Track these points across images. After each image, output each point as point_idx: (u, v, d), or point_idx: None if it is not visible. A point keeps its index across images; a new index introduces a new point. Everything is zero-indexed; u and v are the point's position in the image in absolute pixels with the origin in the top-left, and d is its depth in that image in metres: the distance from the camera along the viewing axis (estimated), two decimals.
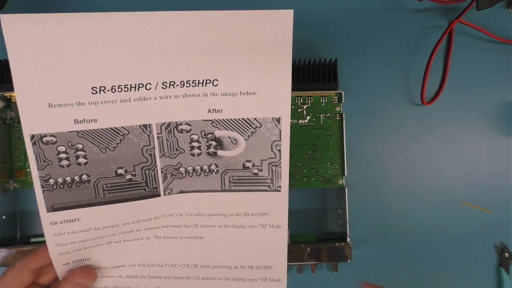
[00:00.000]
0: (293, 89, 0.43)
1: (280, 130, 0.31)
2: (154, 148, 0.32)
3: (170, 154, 0.32)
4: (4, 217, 0.42)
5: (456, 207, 0.47)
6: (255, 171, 0.32)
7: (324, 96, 0.45)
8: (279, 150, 0.32)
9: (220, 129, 0.31)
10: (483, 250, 0.47)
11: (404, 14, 0.48)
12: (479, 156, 0.48)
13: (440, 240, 0.47)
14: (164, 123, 0.31)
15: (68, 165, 0.31)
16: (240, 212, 0.33)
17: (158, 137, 0.31)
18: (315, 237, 0.45)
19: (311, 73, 0.44)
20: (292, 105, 0.45)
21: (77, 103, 0.29)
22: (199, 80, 0.30)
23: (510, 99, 0.48)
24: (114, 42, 0.28)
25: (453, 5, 0.47)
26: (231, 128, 0.31)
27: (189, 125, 0.31)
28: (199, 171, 0.33)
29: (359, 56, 0.48)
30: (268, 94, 0.31)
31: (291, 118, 0.44)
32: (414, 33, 0.48)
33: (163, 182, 0.32)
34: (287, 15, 0.29)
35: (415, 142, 0.48)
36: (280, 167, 0.32)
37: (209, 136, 0.32)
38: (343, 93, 0.44)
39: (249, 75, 0.30)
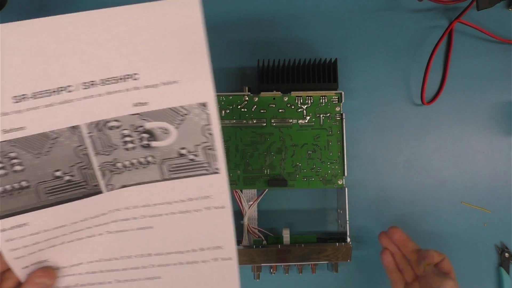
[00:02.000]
0: (293, 89, 0.44)
1: (208, 114, 0.32)
2: (87, 147, 0.32)
3: (105, 152, 0.33)
4: None
5: (456, 207, 0.47)
6: (191, 157, 0.33)
7: (324, 96, 0.45)
8: (211, 134, 0.32)
9: (149, 121, 0.32)
10: (483, 250, 0.47)
11: (404, 14, 0.48)
12: (479, 156, 0.48)
13: (440, 240, 0.47)
14: (92, 122, 0.32)
15: (6, 174, 0.32)
16: (184, 198, 0.34)
17: (89, 136, 0.32)
18: (315, 237, 0.45)
19: (311, 73, 0.44)
20: (292, 105, 0.45)
21: (1, 113, 0.30)
22: (119, 76, 0.31)
23: (510, 99, 0.48)
24: (27, 50, 0.30)
25: (453, 5, 0.47)
26: (160, 119, 0.32)
27: (118, 121, 0.32)
28: (137, 164, 0.33)
29: (359, 56, 0.48)
30: (189, 81, 0.31)
31: (291, 118, 0.44)
32: (414, 33, 0.48)
33: (102, 179, 0.33)
34: (192, 1, 0.29)
35: (415, 142, 0.48)
36: (215, 150, 0.33)
37: (139, 129, 0.32)
38: (343, 93, 0.44)
39: (167, 65, 0.31)
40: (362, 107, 0.48)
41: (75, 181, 0.33)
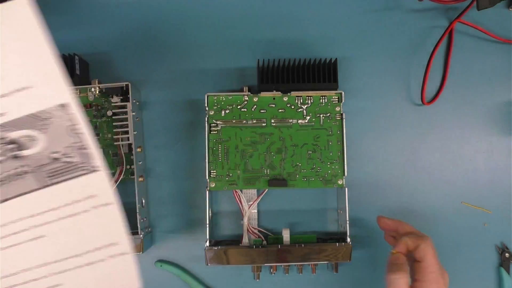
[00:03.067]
0: (293, 89, 0.44)
1: (72, 114, 0.31)
2: None
3: None
4: None
5: (456, 207, 0.47)
6: (66, 159, 0.32)
7: (324, 96, 0.45)
8: (80, 133, 0.32)
9: (12, 131, 0.31)
10: (483, 250, 0.47)
11: (404, 14, 0.48)
12: (479, 156, 0.48)
13: (440, 240, 0.47)
14: None
15: None
16: (69, 201, 0.33)
17: None
18: (315, 237, 0.45)
19: (311, 73, 0.44)
20: (292, 105, 0.45)
21: None
22: None
23: (510, 99, 0.48)
24: None
25: (453, 5, 0.47)
26: (23, 127, 0.31)
27: None
28: (12, 176, 0.33)
29: (359, 56, 0.48)
30: (42, 84, 0.30)
31: (291, 118, 0.44)
32: (414, 33, 0.48)
33: None
34: (23, 2, 0.29)
35: (415, 142, 0.48)
36: (89, 148, 0.32)
37: (5, 141, 0.32)
38: (343, 93, 0.44)
39: (14, 72, 0.30)
40: (362, 107, 0.47)
41: None
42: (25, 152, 0.32)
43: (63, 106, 0.31)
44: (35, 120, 0.31)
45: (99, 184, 0.33)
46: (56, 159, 0.32)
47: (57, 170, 0.33)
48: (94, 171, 0.33)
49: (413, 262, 0.38)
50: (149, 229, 0.46)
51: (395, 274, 0.36)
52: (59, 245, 0.35)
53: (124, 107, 0.44)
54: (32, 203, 0.34)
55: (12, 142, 0.32)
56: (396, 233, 0.41)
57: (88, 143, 0.32)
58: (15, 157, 0.32)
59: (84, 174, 0.33)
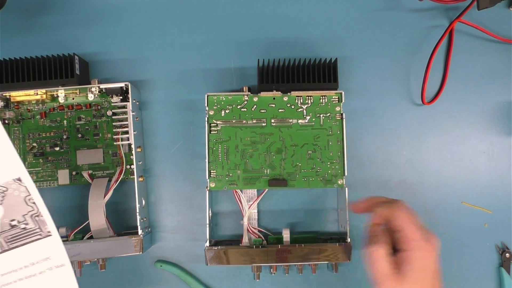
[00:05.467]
0: (293, 89, 0.44)
1: (25, 186, 0.34)
2: None
3: None
4: None
5: (456, 207, 0.47)
6: (23, 226, 0.35)
7: (324, 96, 0.45)
8: (34, 203, 0.35)
9: None
10: (483, 250, 0.47)
11: (404, 14, 0.48)
12: (479, 156, 0.48)
13: (441, 240, 0.47)
14: None
15: None
16: (27, 263, 0.36)
17: None
18: (315, 237, 0.45)
19: (311, 73, 0.44)
20: (292, 105, 0.45)
21: None
22: None
23: (510, 99, 0.48)
24: None
25: (453, 5, 0.47)
26: None
27: None
28: None
29: (359, 56, 0.48)
30: None
31: (291, 118, 0.44)
32: (414, 33, 0.48)
33: None
34: None
35: (416, 142, 0.48)
36: (42, 216, 0.35)
37: None
38: (343, 93, 0.44)
39: None
40: (362, 107, 0.47)
41: None
42: None
43: (18, 179, 0.34)
44: None
45: (53, 248, 0.36)
46: (14, 225, 0.36)
47: (16, 236, 0.36)
48: (47, 236, 0.36)
49: (394, 233, 0.35)
50: (149, 229, 0.46)
51: (372, 246, 0.35)
52: None
53: (124, 107, 0.44)
54: None
55: None
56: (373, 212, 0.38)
57: (41, 211, 0.35)
58: None
59: (39, 238, 0.36)
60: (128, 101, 0.44)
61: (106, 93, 0.45)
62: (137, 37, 0.48)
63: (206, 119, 0.44)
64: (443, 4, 0.47)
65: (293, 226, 0.47)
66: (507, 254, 0.47)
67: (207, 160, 0.44)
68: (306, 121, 0.45)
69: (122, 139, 0.44)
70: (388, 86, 0.48)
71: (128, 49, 0.48)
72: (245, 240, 0.45)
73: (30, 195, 0.35)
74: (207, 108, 0.44)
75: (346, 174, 0.44)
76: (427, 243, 0.34)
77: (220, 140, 0.44)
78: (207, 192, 0.43)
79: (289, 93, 0.44)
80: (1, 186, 0.34)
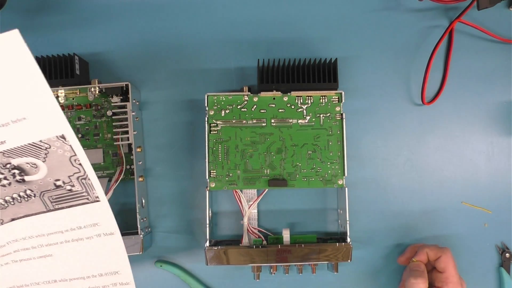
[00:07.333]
0: (293, 89, 0.44)
1: (70, 145, 0.32)
2: None
3: None
4: None
5: (457, 207, 0.47)
6: (68, 187, 0.34)
7: (324, 96, 0.45)
8: (80, 164, 0.33)
9: (14, 158, 0.33)
10: (483, 250, 0.47)
11: (404, 14, 0.48)
12: (479, 156, 0.48)
13: (441, 240, 0.47)
14: None
15: None
16: (74, 227, 0.35)
17: None
18: (315, 237, 0.45)
19: (311, 73, 0.44)
20: (292, 105, 0.45)
21: None
22: None
23: (510, 99, 0.48)
24: None
25: (453, 5, 0.47)
26: (24, 155, 0.32)
27: None
28: (19, 198, 0.34)
29: (359, 56, 0.48)
30: (38, 115, 0.31)
31: (291, 118, 0.44)
32: (414, 33, 0.48)
33: None
34: (13, 36, 0.29)
35: (415, 142, 0.48)
36: (89, 179, 0.33)
37: (8, 166, 0.33)
38: (343, 93, 0.44)
39: (10, 103, 0.31)
40: (362, 107, 0.47)
41: None
42: (29, 178, 0.33)
43: (62, 137, 0.32)
44: (36, 149, 0.32)
45: (102, 214, 0.35)
46: (59, 186, 0.34)
47: (61, 197, 0.34)
48: (95, 201, 0.34)
49: (432, 271, 0.42)
50: (149, 229, 0.46)
51: (416, 279, 0.40)
52: (65, 266, 0.36)
53: (124, 107, 0.44)
54: (39, 224, 0.35)
55: (15, 167, 0.33)
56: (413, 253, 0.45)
57: (89, 174, 0.33)
58: (20, 181, 0.34)
59: (87, 203, 0.34)
60: (128, 101, 0.44)
61: (106, 93, 0.45)
62: (137, 37, 0.48)
63: (206, 119, 0.44)
64: (443, 4, 0.47)
65: (293, 226, 0.47)
66: (507, 254, 0.47)
67: (207, 160, 0.44)
68: (306, 121, 0.45)
69: (122, 139, 0.44)
70: (388, 86, 0.48)
71: (128, 49, 0.48)
72: (245, 240, 0.45)
73: (75, 155, 0.32)
74: (207, 108, 0.44)
75: (346, 174, 0.44)
76: (461, 286, 0.41)
77: (220, 140, 0.44)
78: (207, 192, 0.43)
79: (289, 93, 0.44)
80: (43, 142, 0.32)
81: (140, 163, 0.45)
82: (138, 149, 0.45)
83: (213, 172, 0.44)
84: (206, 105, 0.44)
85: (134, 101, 0.45)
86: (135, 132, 0.44)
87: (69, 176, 0.33)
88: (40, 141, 0.32)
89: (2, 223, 0.35)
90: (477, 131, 0.48)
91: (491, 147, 0.48)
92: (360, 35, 0.48)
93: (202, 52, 0.48)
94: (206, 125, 0.44)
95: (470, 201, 0.47)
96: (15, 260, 0.36)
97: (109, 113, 0.45)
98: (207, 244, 0.43)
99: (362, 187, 0.47)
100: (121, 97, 0.45)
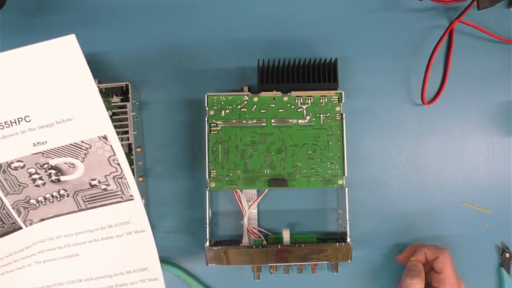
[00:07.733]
0: (293, 89, 0.44)
1: (111, 145, 0.33)
2: None
3: (15, 191, 0.34)
4: None
5: (457, 207, 0.47)
6: (103, 186, 0.34)
7: (324, 96, 0.45)
8: (118, 164, 0.34)
9: (53, 158, 0.33)
10: (483, 250, 0.47)
11: (404, 14, 0.48)
12: (479, 156, 0.48)
13: (441, 240, 0.47)
14: None
15: None
16: (104, 225, 0.35)
17: None
18: (315, 237, 0.45)
19: (311, 73, 0.44)
20: (292, 105, 0.45)
21: None
22: (11, 120, 0.31)
23: (510, 99, 0.48)
24: None
25: (453, 5, 0.47)
26: (64, 155, 0.33)
27: (21, 161, 0.33)
28: (51, 198, 0.35)
29: (359, 56, 0.48)
30: (84, 116, 0.32)
31: (291, 118, 0.44)
32: (414, 33, 0.48)
33: (19, 217, 0.35)
34: (70, 40, 0.30)
35: (415, 142, 0.48)
36: (125, 178, 0.34)
37: (45, 166, 0.33)
38: (343, 93, 0.44)
39: (58, 104, 0.31)
40: (362, 107, 0.47)
41: None
42: (64, 178, 0.34)
43: (104, 137, 0.33)
44: (77, 149, 0.33)
45: (134, 212, 0.35)
46: (94, 185, 0.34)
47: (95, 196, 0.35)
48: (129, 199, 0.35)
49: (430, 272, 0.42)
50: None
51: (412, 279, 0.40)
52: (92, 265, 0.37)
53: (124, 107, 0.44)
54: (68, 224, 0.36)
55: (53, 168, 0.33)
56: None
57: (125, 173, 0.34)
58: (55, 181, 0.34)
59: (120, 201, 0.35)
60: (128, 101, 0.44)
61: (106, 93, 0.45)
62: (137, 37, 0.48)
63: (206, 119, 0.44)
64: (443, 4, 0.47)
65: (293, 226, 0.47)
66: (507, 254, 0.47)
67: (207, 160, 0.44)
68: (306, 121, 0.45)
69: (122, 139, 0.44)
70: (388, 86, 0.48)
71: (128, 49, 0.48)
72: (245, 240, 0.45)
73: (114, 155, 0.33)
74: (207, 108, 0.44)
75: (346, 174, 0.44)
76: (459, 287, 0.42)
77: (220, 140, 0.44)
78: (207, 192, 0.43)
79: (289, 93, 0.44)
80: (85, 143, 0.33)
81: (140, 163, 0.45)
82: (138, 149, 0.45)
83: (213, 172, 0.44)
84: (206, 105, 0.44)
85: (134, 101, 0.45)
86: (135, 132, 0.44)
87: (105, 176, 0.34)
88: (82, 141, 0.33)
89: (31, 224, 0.35)
90: (477, 131, 0.48)
91: (491, 147, 0.48)
92: (360, 35, 0.48)
93: (202, 52, 0.48)
94: (206, 125, 0.44)
95: (470, 201, 0.47)
96: (39, 261, 0.36)
97: (109, 113, 0.45)
98: (207, 244, 0.43)
99: (362, 187, 0.47)
100: (121, 97, 0.45)
